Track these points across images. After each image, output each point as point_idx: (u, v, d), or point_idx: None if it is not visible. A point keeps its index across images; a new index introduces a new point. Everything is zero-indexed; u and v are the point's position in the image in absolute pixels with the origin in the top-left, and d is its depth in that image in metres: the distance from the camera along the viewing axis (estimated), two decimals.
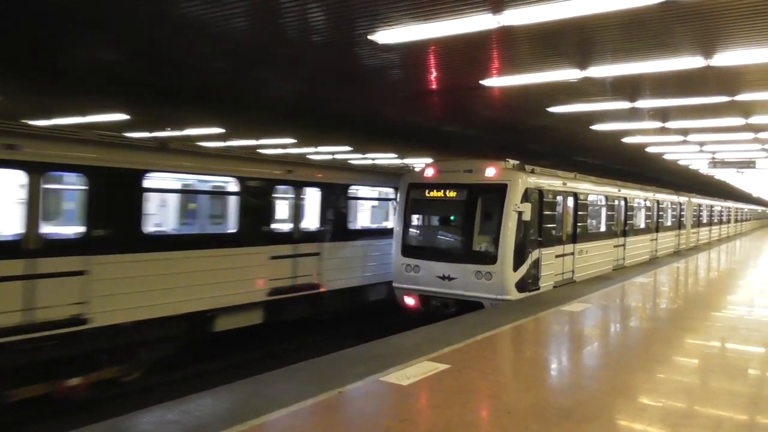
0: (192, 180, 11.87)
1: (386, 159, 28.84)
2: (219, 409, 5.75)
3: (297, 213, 12.90)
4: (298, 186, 12.93)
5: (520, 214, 12.28)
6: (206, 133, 19.32)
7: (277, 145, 22.97)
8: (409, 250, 13.41)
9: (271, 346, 12.56)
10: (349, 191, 14.31)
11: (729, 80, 10.71)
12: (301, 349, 12.18)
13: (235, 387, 6.40)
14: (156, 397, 7.94)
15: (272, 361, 10.62)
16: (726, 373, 7.33)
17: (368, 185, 15.74)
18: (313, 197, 13.67)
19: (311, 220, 13.64)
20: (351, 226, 14.76)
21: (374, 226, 17.01)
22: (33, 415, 8.60)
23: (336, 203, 13.88)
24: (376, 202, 17.88)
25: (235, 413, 5.51)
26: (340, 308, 14.15)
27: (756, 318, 11.16)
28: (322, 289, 13.23)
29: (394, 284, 13.54)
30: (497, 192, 12.49)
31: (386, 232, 15.20)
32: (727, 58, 8.92)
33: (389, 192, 16.12)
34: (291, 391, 6.14)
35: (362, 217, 17.35)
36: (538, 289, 13.23)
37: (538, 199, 13.26)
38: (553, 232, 14.18)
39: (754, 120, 14.39)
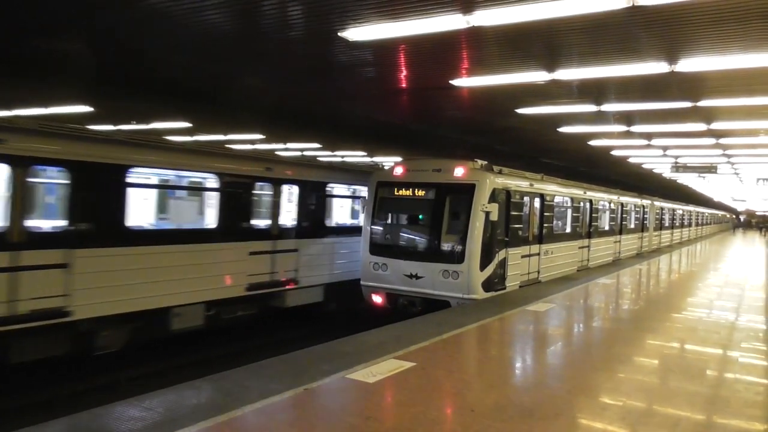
0: None
1: (356, 157, 28.80)
2: (183, 405, 5.65)
3: (18, 205, 8.59)
4: (16, 164, 8.54)
5: (487, 214, 12.38)
6: (173, 127, 19.02)
7: (245, 141, 22.75)
8: (376, 248, 13.40)
9: (236, 343, 12.42)
10: (128, 177, 10.06)
11: (692, 86, 10.95)
12: (266, 346, 12.07)
13: (200, 384, 6.31)
14: (119, 394, 7.79)
15: (237, 358, 10.51)
16: (685, 374, 7.49)
17: (170, 169, 11.50)
18: (49, 182, 10.10)
19: (48, 217, 9.95)
20: (129, 224, 10.28)
21: (179, 226, 12.22)
22: None
23: (99, 192, 9.64)
24: (185, 193, 12.82)
25: (200, 410, 5.43)
26: (122, 342, 10.11)
27: (714, 320, 11.44)
28: (72, 318, 9.14)
29: (362, 282, 13.53)
30: (465, 192, 12.56)
31: (209, 235, 11.59)
32: (690, 64, 9.12)
33: (211, 180, 11.78)
34: (256, 387, 6.08)
35: (159, 213, 12.64)
36: (504, 288, 13.35)
37: (506, 199, 13.37)
38: (520, 232, 14.32)
39: (716, 126, 14.76)
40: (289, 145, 24.74)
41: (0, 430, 5.05)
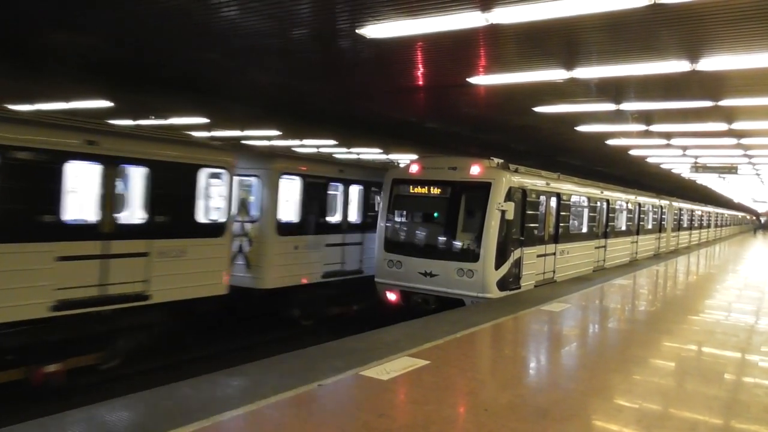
0: None
1: (371, 154, 28.77)
2: (198, 398, 5.69)
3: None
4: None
5: (503, 212, 12.32)
6: (191, 123, 19.13)
7: (261, 137, 22.81)
8: (391, 245, 13.39)
9: (251, 338, 12.47)
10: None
11: (713, 85, 10.80)
12: (280, 342, 12.11)
13: (215, 377, 6.35)
14: (133, 385, 7.85)
15: (251, 353, 10.55)
16: (702, 377, 7.40)
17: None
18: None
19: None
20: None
21: None
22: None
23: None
24: None
25: (215, 403, 5.45)
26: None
27: (733, 323, 11.29)
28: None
29: (376, 279, 13.52)
30: (481, 190, 12.50)
31: None
32: (712, 63, 8.98)
33: None
34: (271, 382, 6.10)
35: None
36: (519, 288, 13.28)
37: (522, 198, 13.30)
38: (536, 231, 14.23)
39: (737, 126, 14.54)
40: (305, 142, 24.78)
41: (20, 419, 5.16)
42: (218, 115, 17.98)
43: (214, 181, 10.88)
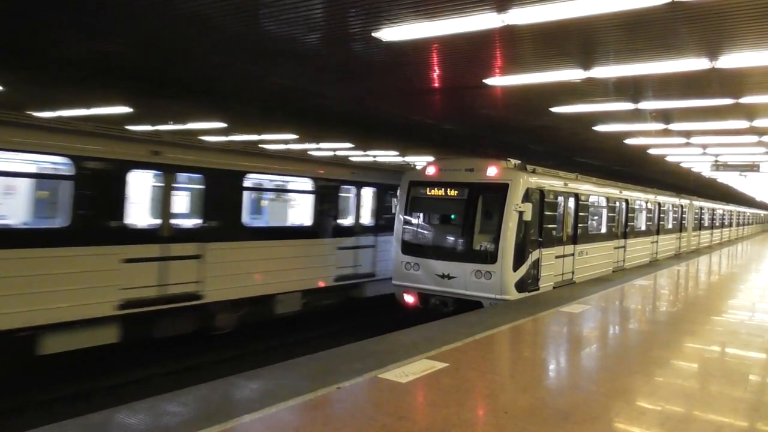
0: None
1: (387, 156, 28.77)
2: (217, 401, 5.72)
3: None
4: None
5: (520, 214, 12.25)
6: (208, 128, 19.26)
7: (278, 141, 22.92)
8: (409, 248, 13.37)
9: (269, 340, 12.52)
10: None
11: (734, 82, 10.66)
12: (299, 344, 12.15)
13: (234, 380, 6.38)
14: (153, 389, 7.92)
15: (270, 356, 10.60)
16: (726, 378, 7.29)
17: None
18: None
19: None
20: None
21: None
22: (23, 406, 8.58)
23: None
24: None
25: (234, 406, 5.49)
26: None
27: (757, 323, 11.12)
28: None
29: (394, 282, 13.51)
30: (498, 191, 12.45)
31: None
32: (732, 60, 8.85)
33: None
34: (289, 385, 6.12)
35: None
36: (538, 289, 13.20)
37: (539, 199, 13.22)
38: (554, 232, 14.14)
39: (759, 123, 14.32)
40: (322, 145, 24.84)
41: (40, 422, 5.25)
42: (235, 119, 18.10)
43: None
